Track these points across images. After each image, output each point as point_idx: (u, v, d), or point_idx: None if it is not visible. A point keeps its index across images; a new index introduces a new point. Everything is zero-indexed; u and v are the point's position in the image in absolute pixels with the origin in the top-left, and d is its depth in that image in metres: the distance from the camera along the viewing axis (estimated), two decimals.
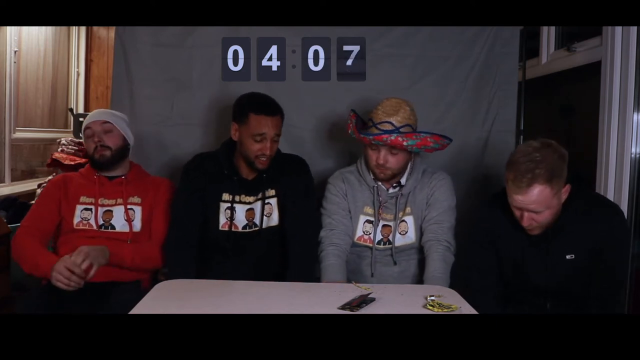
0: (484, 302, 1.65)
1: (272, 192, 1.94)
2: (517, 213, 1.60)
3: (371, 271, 1.95)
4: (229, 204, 1.91)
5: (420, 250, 1.95)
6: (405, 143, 1.79)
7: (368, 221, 1.95)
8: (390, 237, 1.93)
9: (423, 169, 1.96)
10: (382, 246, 1.94)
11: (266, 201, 1.93)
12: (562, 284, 1.66)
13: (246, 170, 1.92)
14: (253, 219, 1.93)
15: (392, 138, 1.78)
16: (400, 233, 1.93)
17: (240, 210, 1.92)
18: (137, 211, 1.96)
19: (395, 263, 1.94)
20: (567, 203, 1.62)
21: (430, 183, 1.93)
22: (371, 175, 1.92)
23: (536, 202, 1.53)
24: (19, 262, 1.85)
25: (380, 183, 1.93)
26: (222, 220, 1.93)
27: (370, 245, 1.94)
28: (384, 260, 1.95)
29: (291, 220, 1.92)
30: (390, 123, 1.81)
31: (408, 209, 1.93)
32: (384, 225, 1.94)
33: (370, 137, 1.81)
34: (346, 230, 1.93)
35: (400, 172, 1.91)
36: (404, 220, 1.94)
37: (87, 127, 1.99)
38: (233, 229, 1.92)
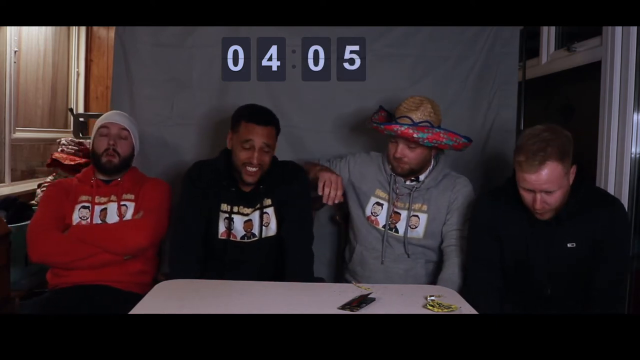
0: (488, 294, 1.66)
1: (269, 201, 1.93)
2: (528, 197, 1.60)
3: (381, 259, 1.97)
4: (227, 214, 1.91)
5: (428, 252, 1.96)
6: (415, 135, 1.80)
7: (378, 203, 1.98)
8: (398, 225, 1.95)
9: (445, 173, 1.96)
10: (390, 232, 1.96)
11: (264, 211, 1.93)
12: (562, 272, 1.67)
13: (243, 181, 1.91)
14: (251, 229, 1.93)
15: (403, 129, 1.80)
16: (410, 227, 1.95)
17: (239, 221, 1.92)
18: (130, 207, 1.96)
19: (408, 256, 1.96)
20: (571, 193, 1.63)
21: (454, 187, 1.93)
22: (390, 166, 1.97)
23: (549, 181, 1.54)
24: (55, 257, 1.85)
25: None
26: (221, 229, 1.92)
27: (377, 226, 1.98)
28: (392, 256, 1.96)
29: (288, 225, 1.92)
30: (409, 118, 1.84)
31: (424, 207, 1.94)
32: (394, 212, 1.96)
33: (382, 126, 1.85)
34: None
35: (419, 169, 1.93)
36: (416, 216, 1.95)
37: (103, 126, 1.99)
38: (231, 238, 1.92)
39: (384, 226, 1.98)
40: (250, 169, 1.82)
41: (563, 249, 1.65)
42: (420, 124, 1.83)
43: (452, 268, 1.85)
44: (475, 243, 1.79)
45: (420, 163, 1.91)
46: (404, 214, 1.96)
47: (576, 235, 1.65)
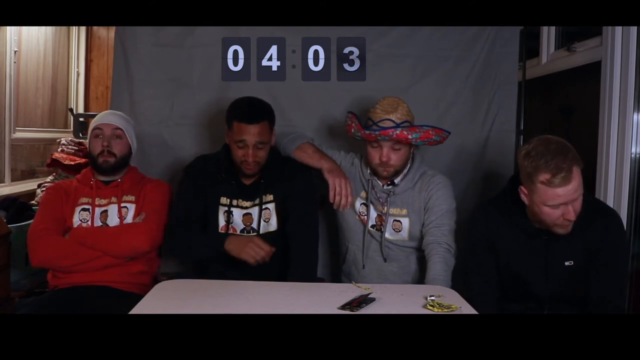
0: (484, 308, 1.64)
1: (270, 197, 1.94)
2: (555, 214, 1.55)
3: (362, 263, 1.98)
4: (227, 208, 1.92)
5: (418, 249, 1.96)
6: (410, 136, 1.83)
7: (364, 204, 1.99)
8: (384, 228, 1.96)
9: (422, 172, 1.96)
10: (374, 230, 1.97)
11: (264, 206, 1.93)
12: (560, 289, 1.66)
13: (244, 174, 1.92)
14: (251, 223, 1.93)
15: (398, 132, 1.82)
16: (394, 230, 1.96)
17: (238, 215, 1.93)
18: (131, 209, 1.96)
19: (385, 260, 1.96)
20: None
21: (428, 187, 1.93)
22: (369, 171, 1.96)
23: (578, 186, 1.51)
24: (56, 261, 1.85)
25: (375, 178, 1.96)
26: (221, 223, 1.93)
27: (367, 225, 1.98)
28: (391, 255, 1.98)
29: (293, 223, 1.92)
30: (391, 120, 1.84)
31: (404, 211, 1.94)
32: (378, 215, 1.98)
33: (377, 132, 1.84)
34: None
35: (402, 169, 1.93)
36: (398, 220, 1.95)
37: (97, 127, 1.98)
38: (231, 232, 1.92)
39: (372, 226, 1.98)
40: (247, 165, 1.85)
41: (561, 267, 1.64)
42: (403, 124, 1.84)
43: (436, 267, 1.81)
44: (472, 255, 1.77)
45: (405, 163, 1.92)
46: (385, 217, 1.96)
47: (573, 251, 1.63)
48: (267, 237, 1.93)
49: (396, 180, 1.95)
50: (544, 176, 1.51)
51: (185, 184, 1.95)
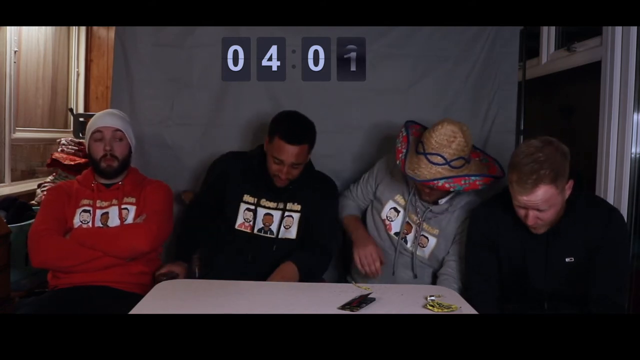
0: (484, 306, 1.64)
1: (297, 206, 1.96)
2: (521, 213, 1.59)
3: (393, 269, 1.96)
4: (252, 206, 1.95)
5: (433, 267, 1.96)
6: (452, 189, 1.79)
7: (395, 209, 1.98)
8: (408, 237, 1.95)
9: (467, 200, 1.91)
10: (401, 241, 1.96)
11: (288, 213, 1.95)
12: (560, 286, 1.66)
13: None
14: (270, 225, 1.95)
15: (440, 185, 1.76)
16: (419, 245, 1.94)
17: (259, 214, 1.95)
18: (131, 210, 1.95)
19: (415, 276, 1.95)
20: (568, 204, 1.61)
21: (464, 219, 1.87)
22: (414, 186, 1.93)
23: (542, 201, 1.52)
24: (56, 262, 1.85)
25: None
26: (240, 220, 1.95)
27: (389, 232, 1.98)
28: (400, 261, 1.97)
29: (313, 233, 1.95)
30: (442, 157, 1.76)
31: (435, 230, 1.92)
32: (407, 222, 1.96)
33: (419, 181, 1.80)
34: (357, 205, 2.11)
35: (446, 195, 1.90)
36: (426, 237, 1.93)
37: (97, 130, 1.96)
38: (249, 230, 1.95)
39: (396, 233, 1.97)
40: (279, 179, 1.89)
41: (561, 264, 1.64)
42: (454, 161, 1.77)
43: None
44: (472, 255, 1.78)
45: (446, 193, 1.89)
46: (414, 227, 1.94)
47: (574, 248, 1.63)
48: (285, 243, 1.95)
49: (440, 201, 1.91)
50: (512, 175, 1.55)
51: (209, 174, 2.05)
